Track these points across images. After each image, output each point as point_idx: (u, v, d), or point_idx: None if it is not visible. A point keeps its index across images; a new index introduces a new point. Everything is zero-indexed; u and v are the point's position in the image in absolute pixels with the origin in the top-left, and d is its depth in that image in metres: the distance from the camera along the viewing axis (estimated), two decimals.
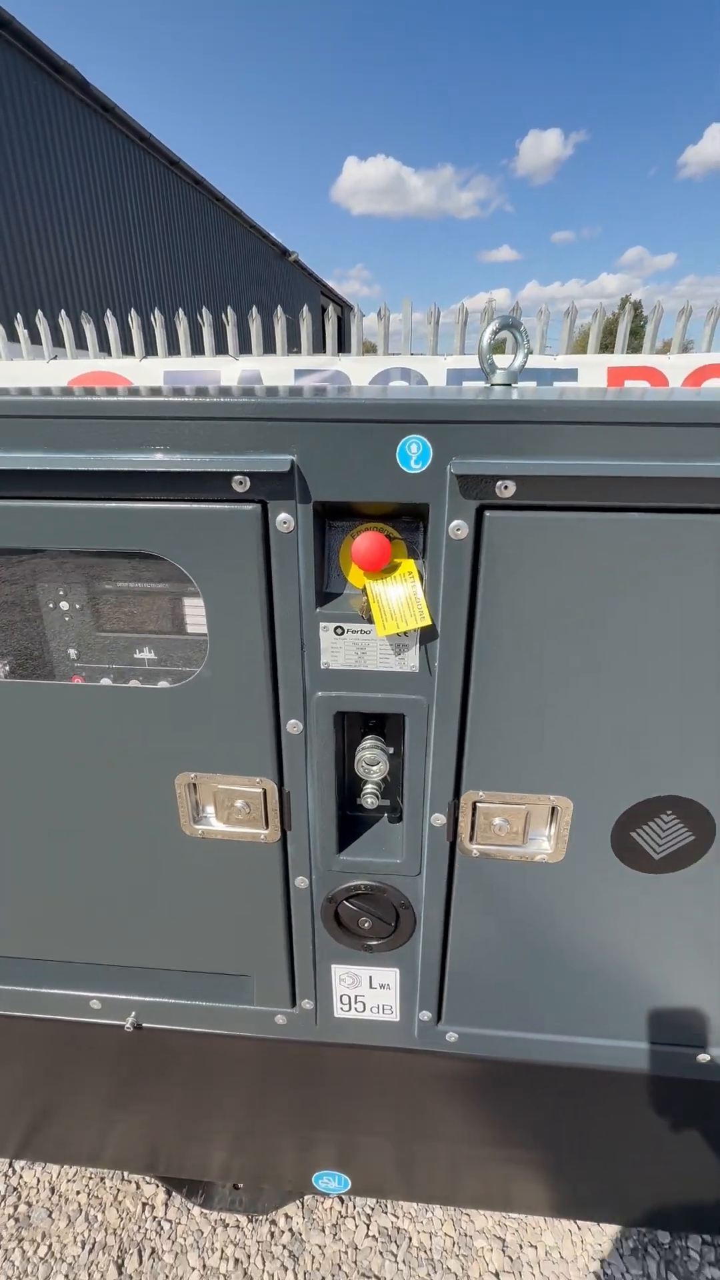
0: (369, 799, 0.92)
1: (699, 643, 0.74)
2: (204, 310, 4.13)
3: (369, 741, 0.89)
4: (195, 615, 0.84)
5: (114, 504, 0.73)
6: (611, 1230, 1.37)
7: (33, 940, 1.07)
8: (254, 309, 4.10)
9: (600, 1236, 1.36)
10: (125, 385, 3.89)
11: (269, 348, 4.19)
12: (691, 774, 0.81)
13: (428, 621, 0.75)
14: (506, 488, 0.69)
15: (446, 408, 0.68)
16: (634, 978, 0.97)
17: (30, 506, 0.74)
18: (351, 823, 0.98)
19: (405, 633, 0.77)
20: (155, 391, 0.81)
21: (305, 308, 4.18)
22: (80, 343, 4.39)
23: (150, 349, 4.24)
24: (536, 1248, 1.34)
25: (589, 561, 0.71)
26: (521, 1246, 1.35)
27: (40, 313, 4.29)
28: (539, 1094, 1.12)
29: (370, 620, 0.77)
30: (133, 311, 4.15)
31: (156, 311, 4.18)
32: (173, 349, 4.31)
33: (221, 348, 4.15)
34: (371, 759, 0.87)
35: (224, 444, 0.71)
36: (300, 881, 0.96)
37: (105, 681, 0.88)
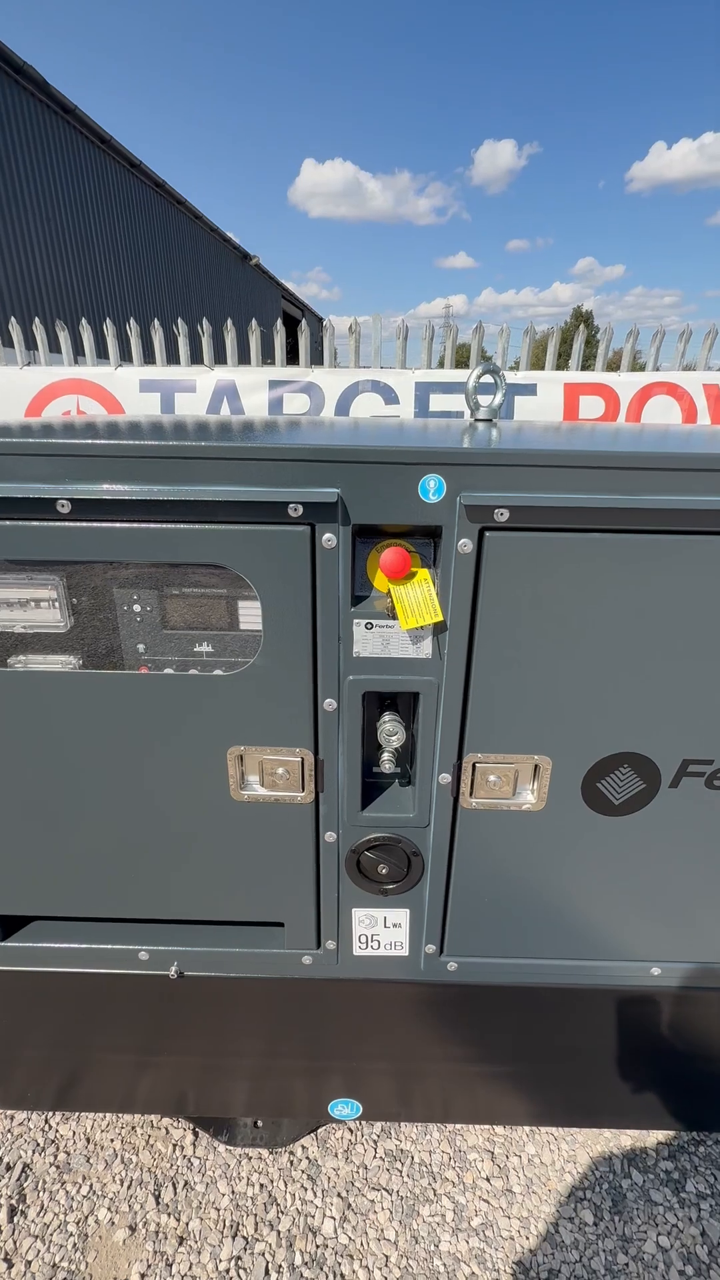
0: (387, 765, 1.12)
1: (648, 634, 0.97)
2: (179, 321, 4.26)
3: (388, 715, 1.09)
4: (248, 615, 1.02)
5: (193, 526, 0.92)
6: (584, 1136, 1.60)
7: (95, 900, 1.22)
8: (229, 321, 4.26)
9: (574, 1144, 1.59)
10: (112, 401, 3.99)
11: (243, 358, 4.35)
12: (642, 734, 1.04)
13: (440, 618, 0.95)
14: (503, 514, 0.90)
15: (458, 453, 0.89)
16: (600, 905, 1.20)
17: (129, 528, 0.92)
18: (370, 787, 1.17)
19: (422, 627, 0.97)
20: (222, 432, 1.00)
21: (279, 321, 4.36)
22: (54, 348, 4.45)
23: (124, 357, 4.34)
24: (520, 1156, 1.56)
25: (564, 570, 0.93)
26: (508, 1156, 1.56)
27: (13, 319, 4.34)
28: (524, 1013, 1.34)
29: (394, 617, 0.97)
30: (108, 320, 4.25)
31: (132, 321, 4.29)
32: (146, 357, 4.42)
33: (195, 358, 4.29)
34: (391, 730, 1.07)
35: (283, 479, 0.90)
36: (329, 836, 1.15)
37: (168, 671, 1.05)
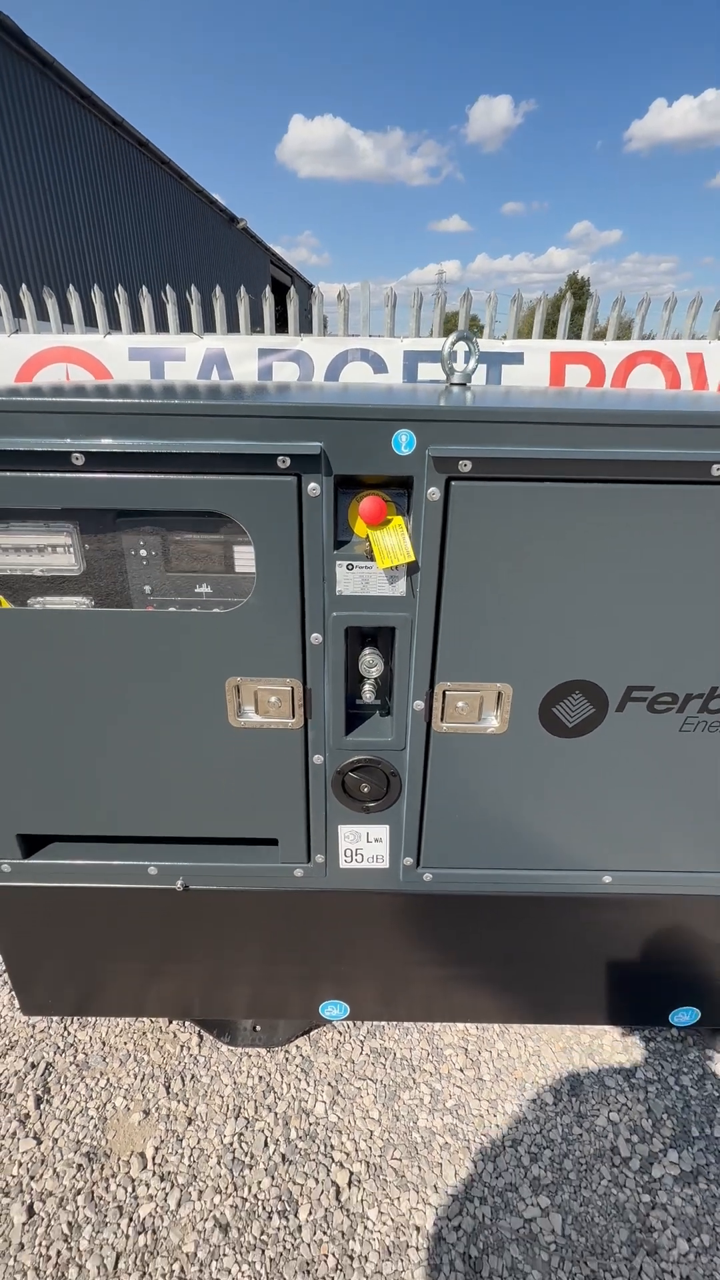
0: (368, 695, 1.27)
1: (595, 573, 1.10)
2: (167, 288, 4.27)
3: (368, 649, 1.22)
4: (243, 558, 1.15)
5: (194, 476, 1.03)
6: (548, 1034, 1.80)
7: (108, 819, 1.37)
8: (217, 288, 4.27)
9: (539, 1042, 1.79)
10: (101, 369, 4.04)
11: (232, 325, 4.37)
12: (591, 663, 1.18)
13: (412, 558, 1.08)
14: (466, 465, 1.02)
15: (427, 410, 1.01)
16: (557, 820, 1.36)
17: (137, 479, 1.03)
18: (354, 717, 1.32)
19: (396, 567, 1.10)
20: (228, 393, 1.11)
21: (268, 289, 4.38)
22: (41, 315, 4.45)
23: (113, 324, 4.35)
24: (491, 1051, 1.76)
25: (521, 516, 1.06)
26: (480, 1051, 1.76)
27: None
28: (493, 920, 1.51)
29: (372, 559, 1.10)
30: (95, 287, 4.25)
31: (120, 288, 4.29)
32: (135, 324, 4.44)
33: (184, 325, 4.31)
34: (371, 662, 1.21)
35: (272, 433, 1.02)
36: (317, 759, 1.30)
37: (171, 609, 1.18)
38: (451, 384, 1.46)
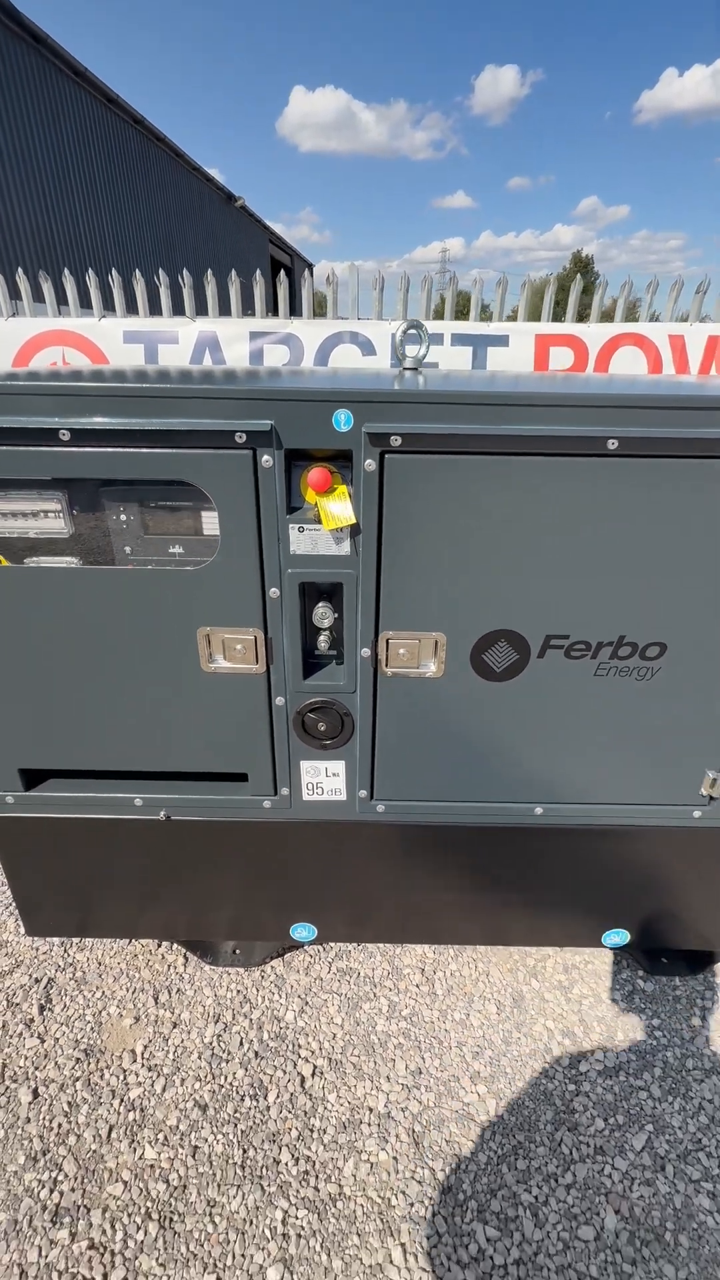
0: (323, 644, 1.45)
1: (512, 534, 1.27)
2: (160, 271, 4.38)
3: (321, 604, 1.40)
4: (209, 523, 1.32)
5: (165, 450, 1.21)
6: (497, 957, 2.01)
7: (94, 754, 1.56)
8: (209, 272, 4.38)
9: (488, 964, 1.99)
10: (96, 352, 4.17)
11: (224, 308, 4.50)
12: (514, 614, 1.36)
13: (354, 521, 1.25)
14: (397, 440, 1.19)
15: (362, 393, 1.18)
16: (491, 756, 1.54)
17: (117, 452, 1.21)
18: (312, 665, 1.50)
19: (341, 529, 1.28)
20: (194, 377, 1.28)
21: (259, 271, 4.49)
22: (37, 297, 4.57)
23: (108, 307, 4.48)
24: (445, 971, 1.97)
25: (446, 483, 1.23)
26: (435, 971, 1.97)
27: None
28: (441, 848, 1.70)
29: (319, 522, 1.28)
30: (90, 270, 4.37)
31: (114, 272, 4.41)
32: (130, 307, 4.56)
33: (178, 307, 4.43)
34: (323, 614, 1.39)
35: (230, 413, 1.19)
36: (279, 700, 1.48)
37: (149, 567, 1.36)
38: (404, 369, 1.62)
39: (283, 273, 4.61)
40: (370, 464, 1.22)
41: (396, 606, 1.36)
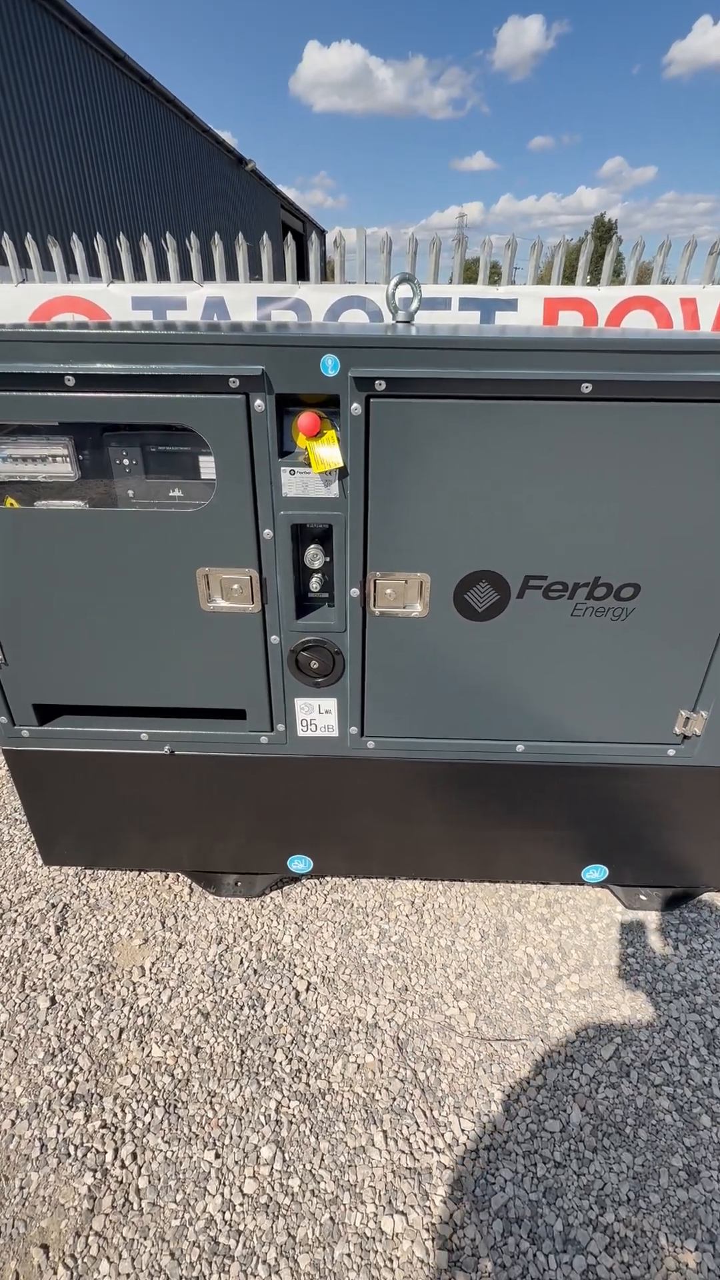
0: (315, 584, 1.53)
1: (492, 477, 1.34)
2: (168, 236, 4.39)
3: (312, 546, 1.48)
4: (206, 467, 1.40)
5: (163, 395, 1.28)
6: (484, 891, 2.12)
7: (102, 690, 1.67)
8: (216, 236, 4.38)
9: (475, 897, 2.11)
10: (105, 318, 4.22)
11: (231, 273, 4.50)
12: (494, 556, 1.43)
13: (341, 464, 1.33)
14: (381, 385, 1.26)
15: (348, 339, 1.25)
16: (474, 694, 1.63)
17: (119, 397, 1.29)
18: (305, 607, 1.58)
19: (330, 471, 1.35)
20: (191, 326, 1.35)
21: (266, 235, 4.47)
22: (47, 264, 4.60)
23: (116, 272, 4.50)
24: (434, 903, 2.09)
25: (429, 425, 1.30)
26: (424, 903, 2.09)
27: (4, 235, 4.47)
28: (429, 784, 1.81)
29: (310, 466, 1.35)
30: (98, 235, 4.39)
31: (122, 236, 4.42)
32: (138, 272, 4.58)
33: (186, 272, 4.44)
34: (314, 555, 1.47)
35: (224, 359, 1.26)
36: (274, 639, 1.58)
37: (152, 510, 1.45)
38: (397, 322, 1.67)
39: (289, 236, 4.59)
40: (356, 408, 1.29)
41: (383, 548, 1.44)
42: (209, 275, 4.43)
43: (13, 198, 9.76)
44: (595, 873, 1.99)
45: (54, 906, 2.06)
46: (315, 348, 1.25)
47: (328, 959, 1.91)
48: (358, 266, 4.53)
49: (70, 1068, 1.63)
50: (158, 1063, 1.64)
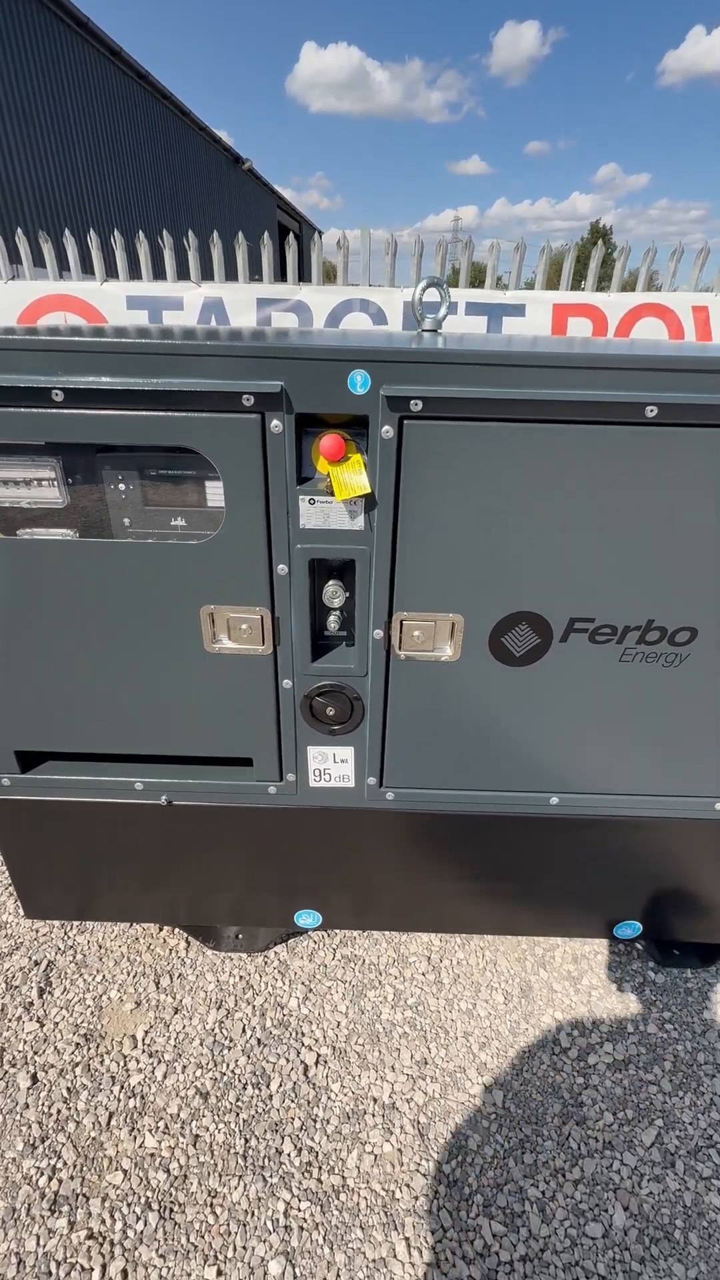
0: (333, 624, 1.37)
1: (538, 509, 1.18)
2: (164, 233, 4.21)
3: (332, 582, 1.32)
4: (214, 493, 1.24)
5: (165, 413, 1.12)
6: (505, 946, 1.96)
7: (94, 737, 1.49)
8: (214, 234, 4.21)
9: (495, 953, 1.95)
10: (99, 317, 4.03)
11: (230, 273, 4.32)
12: (536, 596, 1.28)
13: (368, 491, 1.17)
14: (417, 404, 1.10)
15: (381, 351, 1.08)
16: (507, 744, 1.48)
17: (113, 415, 1.12)
18: (321, 647, 1.42)
19: (355, 500, 1.19)
20: (190, 334, 1.18)
21: (266, 234, 4.30)
22: (38, 261, 4.41)
23: (110, 271, 4.31)
24: (451, 960, 1.93)
25: (468, 453, 1.14)
26: (442, 959, 1.93)
27: None
28: (451, 837, 1.64)
29: (331, 493, 1.19)
30: (91, 231, 4.20)
31: (116, 233, 4.23)
32: (133, 270, 4.39)
33: (183, 271, 4.26)
34: (334, 592, 1.31)
35: (236, 373, 1.09)
36: (286, 683, 1.41)
37: (149, 540, 1.28)
38: (423, 330, 1.51)
39: (291, 236, 4.43)
40: (388, 430, 1.12)
41: (412, 586, 1.28)
42: (207, 275, 4.25)
43: (5, 192, 9.53)
44: (628, 929, 1.83)
45: (37, 964, 1.88)
46: (342, 361, 1.09)
47: (338, 1026, 1.74)
48: (362, 268, 4.37)
49: (53, 1162, 1.45)
50: (151, 1155, 1.47)
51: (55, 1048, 1.67)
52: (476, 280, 4.42)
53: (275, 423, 1.13)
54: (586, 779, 1.53)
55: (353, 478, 1.16)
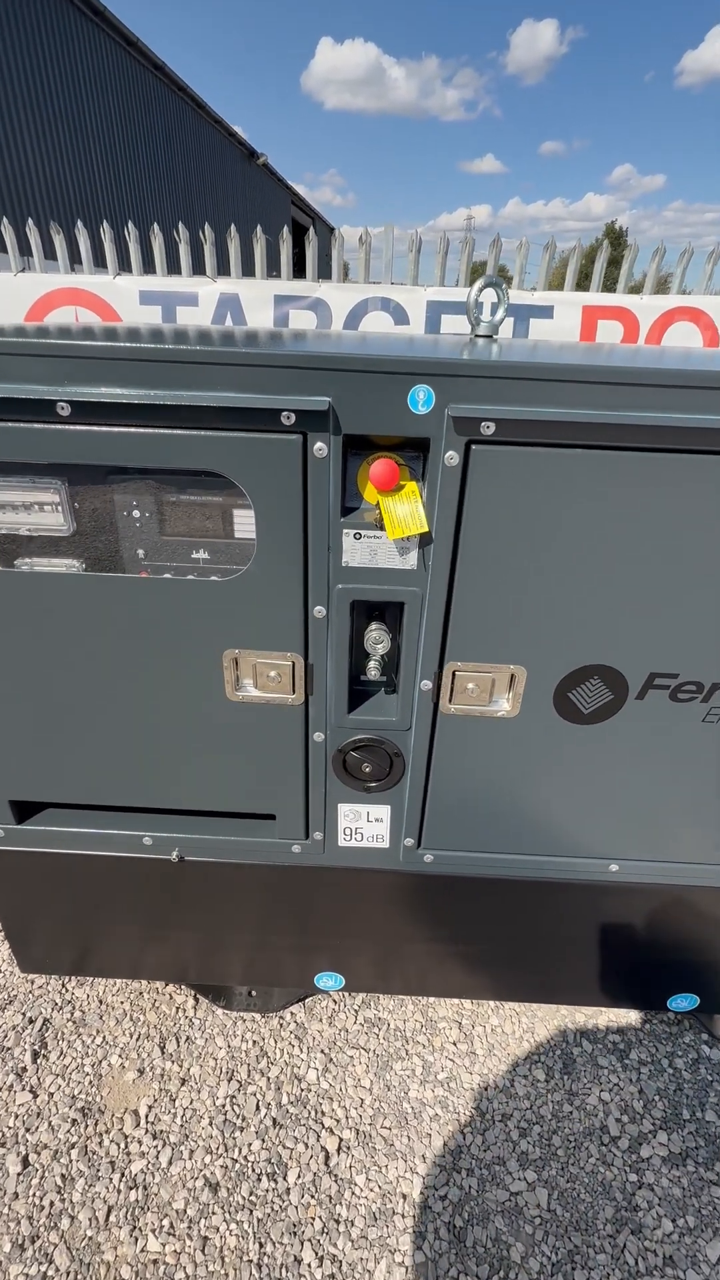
0: (373, 672, 1.20)
1: (622, 551, 1.01)
2: (180, 226, 4.03)
3: (375, 625, 1.15)
4: (243, 523, 1.07)
5: (189, 431, 0.95)
6: (543, 1012, 1.79)
7: (101, 789, 1.33)
8: (232, 227, 4.03)
9: (533, 1019, 1.78)
10: (111, 313, 3.86)
11: (247, 268, 4.15)
12: (612, 647, 1.10)
13: (426, 528, 0.99)
14: (489, 427, 0.93)
15: (448, 364, 0.91)
16: (566, 807, 1.30)
17: (128, 432, 0.95)
18: (358, 693, 1.25)
19: (408, 537, 1.02)
20: (218, 338, 1.01)
21: (286, 229, 4.13)
22: (49, 253, 4.24)
23: (123, 264, 4.14)
24: (485, 1027, 1.76)
25: (548, 484, 0.96)
26: (474, 1026, 1.76)
27: (4, 220, 4.11)
28: (493, 902, 1.47)
29: (382, 528, 1.02)
30: (104, 224, 4.03)
31: (130, 225, 4.06)
32: (146, 264, 4.22)
33: (198, 266, 4.09)
34: (378, 638, 1.14)
35: (275, 385, 0.92)
36: (318, 736, 1.24)
37: (167, 576, 1.11)
38: (476, 335, 1.34)
39: (311, 231, 4.24)
40: (453, 457, 0.95)
41: (468, 633, 1.10)
42: (222, 270, 4.08)
43: (17, 182, 9.37)
44: (684, 1001, 1.66)
45: (31, 1022, 1.72)
46: (402, 375, 0.91)
47: (362, 1104, 1.57)
48: (384, 266, 4.20)
49: (44, 1267, 1.29)
50: (154, 1260, 1.30)
51: (50, 1124, 1.51)
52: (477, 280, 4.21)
53: (319, 445, 0.95)
54: (653, 846, 1.35)
55: (407, 511, 0.99)
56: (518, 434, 0.93)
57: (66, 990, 1.80)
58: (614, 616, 1.07)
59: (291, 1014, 1.76)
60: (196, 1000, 1.78)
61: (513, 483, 0.96)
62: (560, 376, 0.90)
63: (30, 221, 4.22)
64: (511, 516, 0.99)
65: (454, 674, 1.15)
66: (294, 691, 1.18)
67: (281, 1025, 1.73)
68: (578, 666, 1.12)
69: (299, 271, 4.15)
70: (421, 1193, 1.42)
